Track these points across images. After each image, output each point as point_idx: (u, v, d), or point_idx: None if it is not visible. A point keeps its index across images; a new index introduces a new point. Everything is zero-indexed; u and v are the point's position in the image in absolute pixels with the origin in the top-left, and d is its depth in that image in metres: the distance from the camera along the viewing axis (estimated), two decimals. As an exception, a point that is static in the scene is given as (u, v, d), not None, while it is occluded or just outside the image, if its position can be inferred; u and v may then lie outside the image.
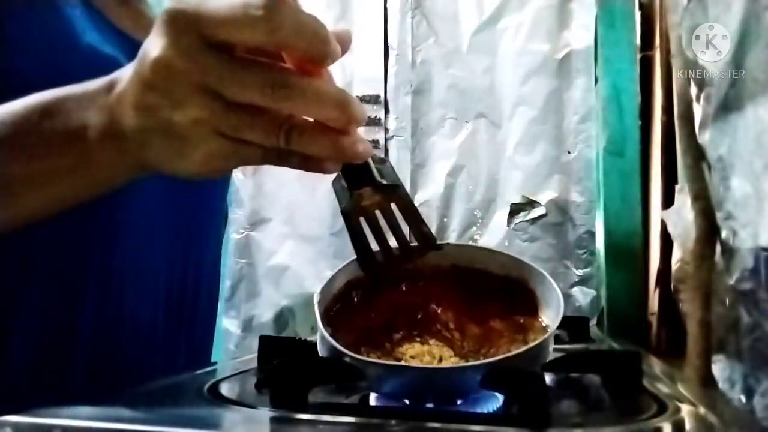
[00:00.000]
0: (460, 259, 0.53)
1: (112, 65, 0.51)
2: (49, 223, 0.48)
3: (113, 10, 0.57)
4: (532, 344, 0.44)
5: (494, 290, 0.52)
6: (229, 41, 0.33)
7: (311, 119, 0.36)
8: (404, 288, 0.52)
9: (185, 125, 0.34)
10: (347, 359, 0.41)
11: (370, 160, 0.42)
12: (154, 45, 0.34)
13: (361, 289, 0.51)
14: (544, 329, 0.48)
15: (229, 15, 0.32)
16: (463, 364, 0.45)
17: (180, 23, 0.33)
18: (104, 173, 0.40)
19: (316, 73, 0.35)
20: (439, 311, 0.51)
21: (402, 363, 0.45)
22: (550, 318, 0.48)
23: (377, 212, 0.46)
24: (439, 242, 0.49)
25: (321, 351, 0.45)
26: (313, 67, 0.35)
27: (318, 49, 0.33)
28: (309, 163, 0.37)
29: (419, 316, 0.51)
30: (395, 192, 0.45)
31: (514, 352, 0.44)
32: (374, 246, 0.48)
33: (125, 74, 0.37)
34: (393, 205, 0.46)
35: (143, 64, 0.34)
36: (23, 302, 0.50)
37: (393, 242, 0.48)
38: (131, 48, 0.56)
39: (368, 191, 0.43)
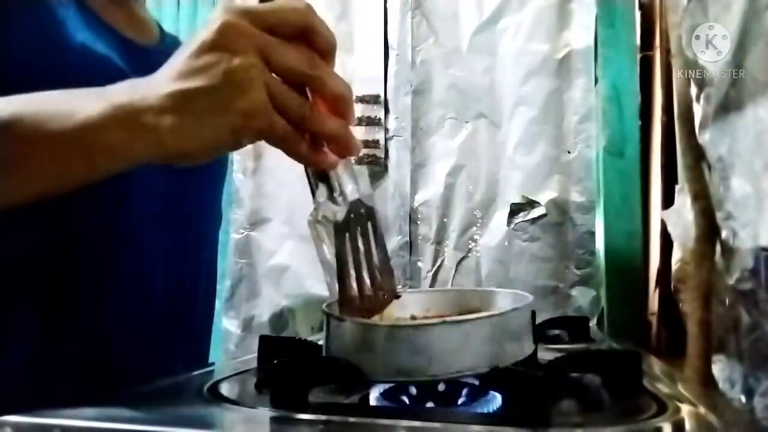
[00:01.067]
0: (417, 308, 0.56)
1: (105, 64, 0.52)
2: (43, 222, 0.48)
3: (107, 10, 0.57)
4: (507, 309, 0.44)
5: None
6: (275, 24, 0.41)
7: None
8: None
9: (244, 69, 0.38)
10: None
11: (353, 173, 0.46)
12: (214, 18, 0.39)
13: None
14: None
15: (273, 5, 0.42)
16: (455, 318, 0.45)
17: (236, 9, 0.40)
18: (97, 157, 0.40)
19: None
20: None
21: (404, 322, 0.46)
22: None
23: (358, 237, 0.46)
24: (397, 292, 0.50)
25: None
26: (328, 60, 0.43)
27: (334, 42, 0.43)
28: (314, 154, 0.43)
29: None
30: (374, 214, 0.46)
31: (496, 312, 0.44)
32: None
33: (145, 78, 0.41)
34: (371, 235, 0.46)
35: (202, 32, 0.39)
36: (17, 303, 0.50)
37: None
38: (124, 47, 0.56)
39: (356, 207, 0.45)
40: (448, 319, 0.43)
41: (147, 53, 0.53)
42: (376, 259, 0.46)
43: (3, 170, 0.40)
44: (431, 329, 0.42)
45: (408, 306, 0.55)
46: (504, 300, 0.53)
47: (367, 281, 0.46)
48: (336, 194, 0.45)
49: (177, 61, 0.40)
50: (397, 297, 0.50)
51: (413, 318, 0.55)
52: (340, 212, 0.45)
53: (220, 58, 0.38)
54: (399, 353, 0.41)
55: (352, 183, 0.45)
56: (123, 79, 0.51)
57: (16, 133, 0.40)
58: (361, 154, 1.16)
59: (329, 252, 0.45)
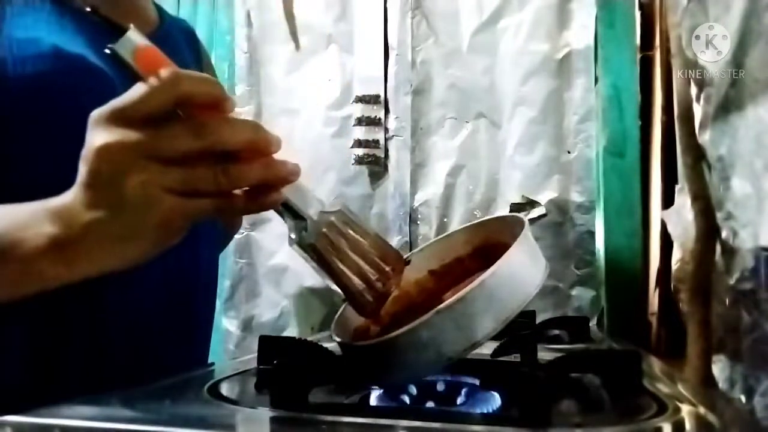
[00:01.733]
0: (430, 262, 0.55)
1: (79, 63, 0.51)
2: None
3: (100, 4, 0.56)
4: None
5: (478, 265, 0.53)
6: (147, 113, 0.39)
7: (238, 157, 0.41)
8: (404, 312, 0.53)
9: (137, 190, 0.38)
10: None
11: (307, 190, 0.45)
12: (89, 143, 0.39)
13: (368, 334, 0.51)
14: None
15: (136, 95, 0.39)
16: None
17: (103, 118, 0.39)
18: (46, 282, 0.41)
19: (224, 113, 0.41)
20: None
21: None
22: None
23: (341, 243, 0.45)
24: (404, 259, 0.49)
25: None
26: (219, 110, 0.41)
27: (217, 91, 0.41)
28: (256, 201, 0.42)
29: None
30: (345, 215, 0.46)
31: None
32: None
33: (63, 196, 0.40)
34: (351, 232, 0.46)
35: (86, 160, 0.39)
36: (13, 304, 0.50)
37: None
38: (104, 41, 0.55)
39: (321, 222, 0.44)
40: (418, 321, 0.42)
41: None
42: (366, 246, 0.46)
43: None
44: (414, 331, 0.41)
45: (422, 263, 0.55)
46: (506, 225, 0.52)
47: (367, 268, 0.46)
48: (300, 219, 0.44)
49: (80, 190, 0.39)
50: (407, 263, 0.50)
51: (432, 272, 0.55)
52: (310, 234, 0.44)
53: (112, 184, 0.38)
54: (400, 356, 0.41)
55: (307, 201, 0.45)
56: (99, 77, 0.52)
57: None
58: (361, 153, 1.16)
59: (325, 275, 0.45)
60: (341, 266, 0.45)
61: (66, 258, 0.40)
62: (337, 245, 0.45)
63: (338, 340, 0.47)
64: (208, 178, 0.39)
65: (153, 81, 0.39)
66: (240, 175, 0.40)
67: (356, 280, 0.45)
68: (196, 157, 0.39)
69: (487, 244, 0.54)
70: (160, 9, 0.66)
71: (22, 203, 0.42)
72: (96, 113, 0.39)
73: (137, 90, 0.39)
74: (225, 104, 0.41)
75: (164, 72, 0.39)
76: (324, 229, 0.44)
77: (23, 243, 0.40)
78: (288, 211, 0.44)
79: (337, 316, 0.52)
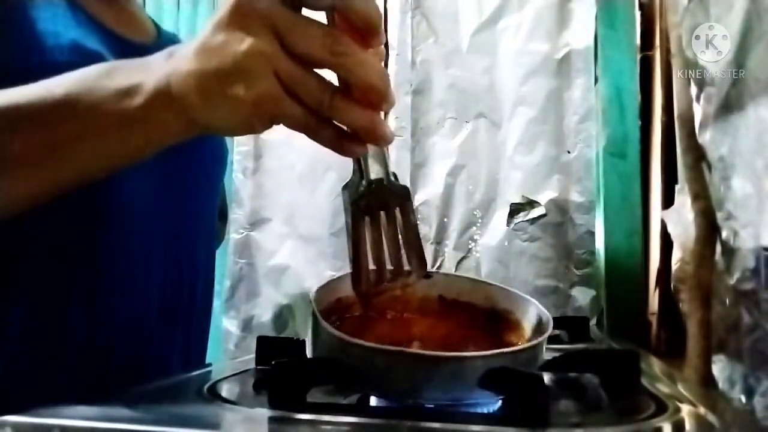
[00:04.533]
0: (447, 290, 0.54)
1: (97, 60, 0.52)
2: (35, 221, 0.48)
3: (99, 9, 0.57)
4: (530, 343, 0.43)
5: (480, 324, 0.53)
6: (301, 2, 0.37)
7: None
8: (390, 318, 0.53)
9: (250, 55, 0.36)
10: (354, 349, 0.41)
11: (387, 159, 0.44)
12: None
13: (348, 312, 0.51)
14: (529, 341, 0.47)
15: None
16: (463, 354, 0.45)
17: None
18: (152, 133, 0.41)
19: (368, 47, 0.39)
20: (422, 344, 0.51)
21: (404, 349, 0.45)
22: (534, 331, 0.48)
23: (382, 217, 0.45)
24: (426, 272, 0.49)
25: (316, 349, 0.45)
26: (366, 42, 0.39)
27: (376, 21, 0.38)
28: (339, 140, 0.40)
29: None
30: (405, 198, 0.45)
31: (512, 348, 0.43)
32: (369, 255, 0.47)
33: (181, 46, 0.40)
34: (398, 215, 0.46)
35: (222, 12, 0.38)
36: (10, 302, 0.50)
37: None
38: (118, 45, 0.56)
39: (378, 189, 0.44)
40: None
41: (142, 51, 0.53)
42: (401, 237, 0.46)
43: (64, 147, 0.42)
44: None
45: (439, 285, 0.55)
46: (529, 314, 0.51)
47: (387, 256, 0.46)
48: (364, 179, 0.44)
49: (198, 37, 0.39)
50: (428, 276, 0.49)
51: (441, 299, 0.55)
52: (362, 194, 0.44)
53: (232, 38, 0.37)
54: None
55: (380, 168, 0.44)
56: None
57: (73, 112, 0.41)
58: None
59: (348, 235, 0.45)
60: (365, 236, 0.44)
61: (170, 107, 0.39)
62: (377, 220, 0.45)
63: (315, 306, 0.46)
64: (315, 91, 0.38)
65: None
66: (346, 109, 0.38)
67: (371, 258, 0.45)
68: (315, 67, 0.38)
69: (506, 315, 0.52)
70: (157, 26, 0.67)
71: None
72: None
73: None
74: (375, 38, 0.39)
75: None
76: (372, 195, 0.44)
77: (144, 85, 0.39)
78: (359, 166, 0.44)
79: (323, 283, 0.50)
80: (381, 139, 0.40)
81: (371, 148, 0.43)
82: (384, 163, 0.44)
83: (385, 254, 0.46)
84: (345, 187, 0.45)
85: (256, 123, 0.39)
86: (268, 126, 0.40)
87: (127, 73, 0.41)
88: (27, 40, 0.50)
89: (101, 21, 0.56)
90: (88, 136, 0.42)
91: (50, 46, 0.50)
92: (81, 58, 0.51)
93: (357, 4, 0.38)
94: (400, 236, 0.46)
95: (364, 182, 0.44)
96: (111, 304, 0.54)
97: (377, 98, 0.38)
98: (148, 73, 0.40)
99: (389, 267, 0.47)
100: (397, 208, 0.46)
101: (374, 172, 0.44)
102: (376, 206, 0.45)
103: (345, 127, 0.40)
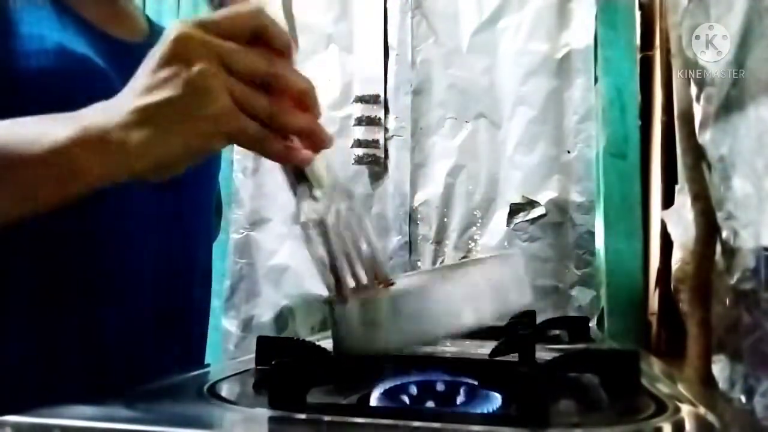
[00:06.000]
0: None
1: (84, 63, 0.51)
2: (30, 225, 0.48)
3: (88, 8, 0.56)
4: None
5: None
6: (226, 31, 0.41)
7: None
8: None
9: (204, 76, 0.39)
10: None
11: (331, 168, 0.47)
12: (165, 36, 0.40)
13: None
14: None
15: (219, 15, 0.42)
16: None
17: (185, 22, 0.40)
18: (86, 177, 0.41)
19: (306, 111, 0.44)
20: None
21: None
22: None
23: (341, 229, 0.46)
24: (389, 279, 0.49)
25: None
26: (304, 107, 0.44)
27: (288, 39, 0.43)
28: (289, 151, 0.43)
29: None
30: (352, 197, 0.46)
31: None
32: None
33: (110, 101, 0.41)
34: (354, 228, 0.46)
35: (159, 46, 0.40)
36: (7, 305, 0.50)
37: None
38: (107, 45, 0.55)
39: (337, 199, 0.45)
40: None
41: (132, 50, 0.53)
42: (365, 248, 0.46)
43: None
44: (431, 289, 0.43)
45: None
46: (497, 262, 0.52)
47: (362, 274, 0.46)
48: (315, 191, 0.45)
49: (138, 78, 0.40)
50: (391, 284, 0.50)
51: None
52: (322, 209, 0.45)
53: (179, 69, 0.39)
54: (406, 319, 0.42)
55: (329, 176, 0.46)
56: (103, 79, 0.52)
57: None
58: (361, 153, 1.16)
59: (321, 250, 0.45)
60: (340, 255, 0.45)
61: (97, 148, 0.39)
62: (339, 231, 0.45)
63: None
64: (265, 105, 0.41)
65: (237, 7, 0.42)
66: (291, 115, 0.42)
67: (348, 276, 0.45)
68: (257, 82, 0.41)
69: None
70: (150, 21, 0.67)
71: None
72: (178, 21, 0.41)
73: (220, 12, 0.42)
74: (292, 53, 0.43)
75: (248, 3, 0.42)
76: (335, 209, 0.45)
77: (50, 134, 0.39)
78: (304, 180, 0.45)
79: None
80: (324, 141, 0.45)
81: (315, 161, 0.45)
82: (329, 172, 0.46)
83: (357, 266, 0.45)
84: (303, 222, 0.46)
85: (213, 141, 0.41)
86: (225, 143, 0.42)
87: (42, 124, 0.41)
88: (9, 45, 0.49)
89: (89, 20, 0.55)
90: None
91: (35, 50, 0.49)
92: (67, 62, 0.50)
93: (273, 27, 0.42)
94: (362, 245, 0.46)
95: (319, 195, 0.45)
96: (107, 305, 0.53)
97: (312, 102, 0.43)
98: (67, 123, 0.40)
99: (362, 275, 0.47)
100: (354, 219, 0.46)
101: (328, 184, 0.46)
102: (339, 218, 0.45)
103: (289, 138, 0.43)
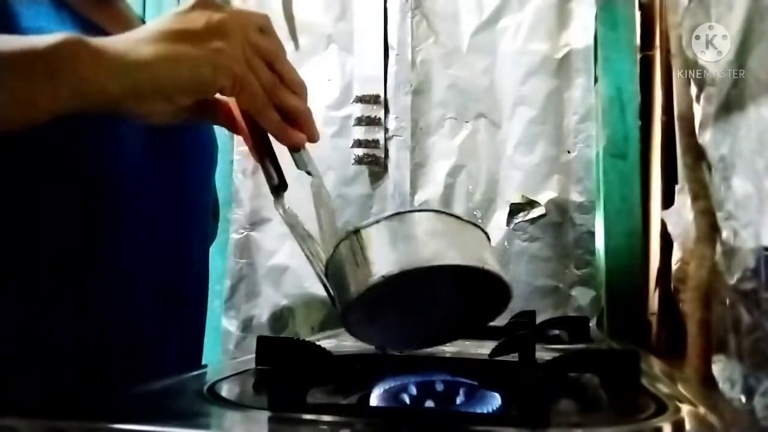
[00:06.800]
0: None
1: None
2: (28, 222, 0.48)
3: (87, 7, 0.56)
4: None
5: None
6: (245, 20, 0.46)
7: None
8: None
9: (225, 21, 0.43)
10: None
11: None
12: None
13: None
14: None
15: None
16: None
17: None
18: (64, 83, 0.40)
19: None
20: None
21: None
22: None
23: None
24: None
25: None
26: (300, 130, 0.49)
27: (283, 48, 0.49)
28: (284, 126, 0.47)
29: None
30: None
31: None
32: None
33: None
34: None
35: (183, 6, 0.44)
36: (2, 302, 0.50)
37: None
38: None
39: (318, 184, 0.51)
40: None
41: None
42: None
43: None
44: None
45: None
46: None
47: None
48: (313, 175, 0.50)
49: (164, 18, 0.44)
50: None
51: None
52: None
53: (203, 14, 0.43)
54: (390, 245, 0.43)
55: (313, 165, 0.51)
56: None
57: None
58: (361, 153, 1.16)
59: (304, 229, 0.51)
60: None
61: (101, 55, 0.40)
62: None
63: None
64: (267, 74, 0.46)
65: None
66: (288, 94, 0.47)
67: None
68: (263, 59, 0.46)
69: None
70: (145, 23, 0.67)
71: None
72: None
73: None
74: (311, 133, 0.50)
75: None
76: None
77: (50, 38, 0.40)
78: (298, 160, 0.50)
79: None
80: (315, 134, 0.49)
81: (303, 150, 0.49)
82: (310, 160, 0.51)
83: None
84: (282, 207, 0.52)
85: (219, 74, 0.43)
86: (228, 83, 0.44)
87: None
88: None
89: (86, 17, 0.55)
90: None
91: None
92: None
93: (290, 67, 0.48)
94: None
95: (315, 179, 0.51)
96: (104, 308, 0.53)
97: (305, 95, 0.48)
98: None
99: None
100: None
101: (312, 168, 0.51)
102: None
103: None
